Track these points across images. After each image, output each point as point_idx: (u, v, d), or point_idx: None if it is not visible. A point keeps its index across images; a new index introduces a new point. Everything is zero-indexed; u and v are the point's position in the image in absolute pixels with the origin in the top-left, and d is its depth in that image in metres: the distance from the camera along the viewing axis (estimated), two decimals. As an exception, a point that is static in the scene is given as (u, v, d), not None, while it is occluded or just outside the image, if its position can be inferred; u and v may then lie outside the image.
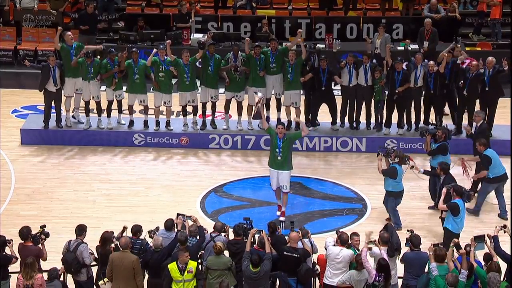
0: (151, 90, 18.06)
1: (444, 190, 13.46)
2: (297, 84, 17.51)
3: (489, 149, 14.82)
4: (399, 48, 20.90)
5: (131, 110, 18.01)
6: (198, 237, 12.26)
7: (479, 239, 11.86)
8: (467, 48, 21.20)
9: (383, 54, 18.80)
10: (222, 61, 17.63)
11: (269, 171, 14.90)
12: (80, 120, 18.13)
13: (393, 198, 14.40)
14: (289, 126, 17.86)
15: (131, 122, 18.05)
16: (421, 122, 17.71)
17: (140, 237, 12.35)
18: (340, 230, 12.65)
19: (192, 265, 11.66)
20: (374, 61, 18.16)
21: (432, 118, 17.56)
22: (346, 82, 17.49)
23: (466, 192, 13.41)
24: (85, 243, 12.04)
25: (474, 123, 16.01)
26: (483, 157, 14.74)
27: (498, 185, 14.87)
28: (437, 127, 15.13)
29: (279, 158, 14.59)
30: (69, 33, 18.08)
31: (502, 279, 11.49)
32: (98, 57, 17.99)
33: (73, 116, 18.15)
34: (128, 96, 17.89)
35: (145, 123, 18.04)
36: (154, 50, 17.58)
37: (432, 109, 17.55)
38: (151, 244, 12.29)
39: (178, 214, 12.68)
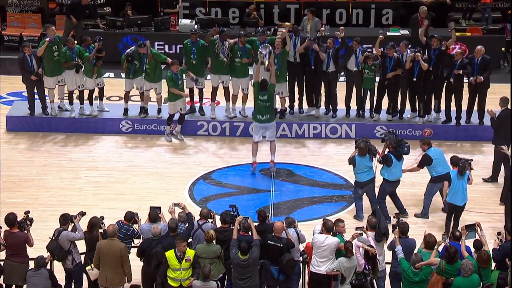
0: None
1: None
2: (283, 77, 17.33)
3: (433, 149, 14.62)
4: (389, 33, 20.87)
5: (127, 97, 17.82)
6: (187, 224, 12.21)
7: (470, 228, 11.89)
8: (457, 34, 21.03)
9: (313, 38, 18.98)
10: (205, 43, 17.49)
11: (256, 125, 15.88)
12: (67, 109, 17.94)
13: (355, 187, 14.52)
14: (275, 113, 17.68)
15: (126, 111, 17.83)
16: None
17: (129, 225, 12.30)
18: (326, 217, 12.61)
19: (190, 253, 11.66)
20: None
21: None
22: (324, 67, 17.38)
23: (461, 163, 13.57)
24: (67, 229, 12.00)
25: (499, 108, 15.79)
26: (424, 156, 14.55)
27: (443, 185, 14.39)
28: (390, 137, 14.56)
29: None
30: (53, 27, 17.71)
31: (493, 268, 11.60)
32: (76, 42, 17.78)
33: (59, 107, 17.94)
34: (125, 82, 17.64)
35: (141, 109, 17.88)
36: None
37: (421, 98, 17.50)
38: (137, 230, 12.26)
39: (151, 207, 12.59)
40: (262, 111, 15.78)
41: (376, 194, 14.58)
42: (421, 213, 14.73)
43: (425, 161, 14.50)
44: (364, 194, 14.61)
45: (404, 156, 14.48)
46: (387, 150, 14.46)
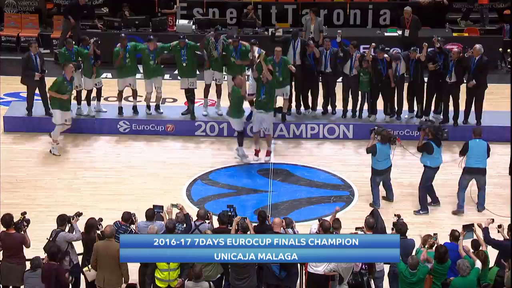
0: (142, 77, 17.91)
1: None
2: (285, 81, 17.22)
3: (478, 140, 14.67)
4: (386, 34, 20.87)
5: (120, 96, 17.83)
6: (185, 225, 12.19)
7: (468, 228, 11.88)
8: (454, 34, 21.11)
9: (317, 38, 19.06)
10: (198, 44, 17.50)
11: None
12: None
13: (372, 175, 14.77)
14: (275, 113, 17.64)
15: (120, 109, 17.84)
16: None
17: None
18: (323, 218, 12.60)
19: None
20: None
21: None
22: (322, 68, 17.39)
23: None
24: (64, 230, 11.98)
25: None
26: (464, 144, 14.72)
27: (474, 177, 14.60)
28: (428, 125, 14.91)
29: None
30: (72, 67, 16.72)
31: (492, 265, 11.65)
32: (74, 43, 17.76)
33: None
34: (118, 81, 17.69)
35: (134, 108, 17.87)
36: None
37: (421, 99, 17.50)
38: (135, 231, 12.23)
39: (154, 206, 12.61)
40: None
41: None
42: (457, 208, 14.83)
43: (463, 148, 14.70)
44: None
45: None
46: (426, 138, 14.63)
